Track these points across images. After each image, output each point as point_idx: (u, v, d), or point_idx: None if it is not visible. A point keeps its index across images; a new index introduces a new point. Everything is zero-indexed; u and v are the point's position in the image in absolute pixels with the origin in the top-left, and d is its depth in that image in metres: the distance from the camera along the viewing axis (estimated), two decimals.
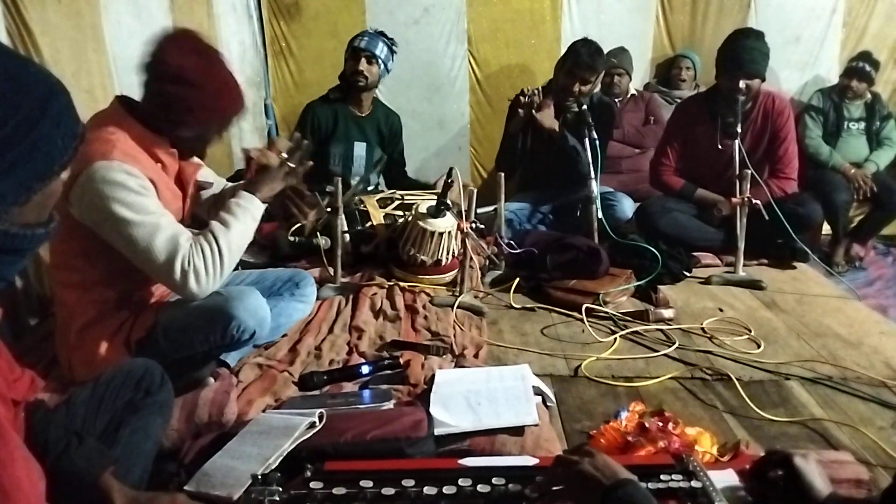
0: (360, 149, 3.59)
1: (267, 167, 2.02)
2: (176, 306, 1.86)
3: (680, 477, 1.33)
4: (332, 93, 3.58)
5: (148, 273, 1.76)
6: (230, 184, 2.20)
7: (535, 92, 3.27)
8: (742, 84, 2.99)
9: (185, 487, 1.40)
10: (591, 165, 2.96)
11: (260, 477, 1.34)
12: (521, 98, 3.26)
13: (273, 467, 1.42)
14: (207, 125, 1.85)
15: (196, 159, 2.01)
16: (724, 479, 1.38)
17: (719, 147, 3.07)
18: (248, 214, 1.86)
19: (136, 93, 2.73)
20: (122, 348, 1.84)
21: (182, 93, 1.74)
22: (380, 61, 3.46)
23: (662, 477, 1.33)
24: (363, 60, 3.43)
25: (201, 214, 2.09)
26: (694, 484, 1.31)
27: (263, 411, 1.78)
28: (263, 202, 1.91)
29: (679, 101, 4.01)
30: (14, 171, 0.90)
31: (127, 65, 2.73)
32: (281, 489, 1.31)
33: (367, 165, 3.59)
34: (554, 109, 3.30)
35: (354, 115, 3.58)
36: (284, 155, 2.01)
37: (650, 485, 1.29)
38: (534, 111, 3.24)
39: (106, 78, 2.60)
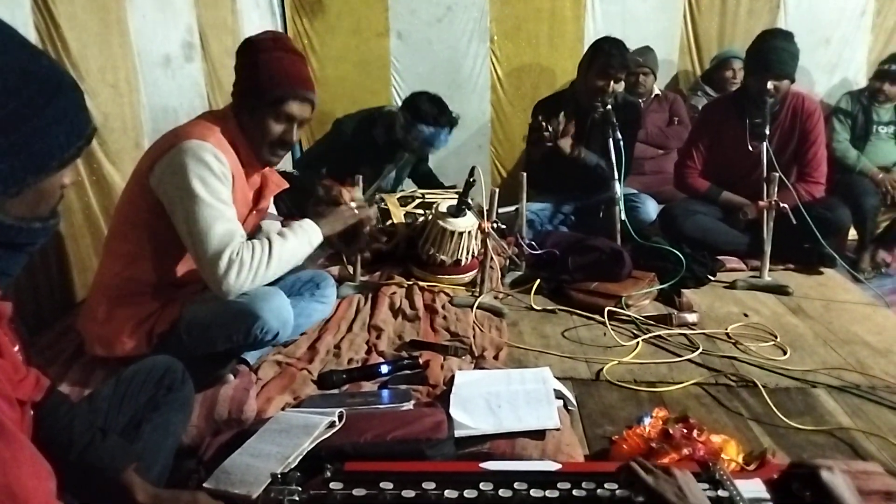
0: (389, 170, 3.52)
1: (338, 206, 2.12)
2: (201, 304, 1.87)
3: (706, 486, 1.30)
4: (376, 131, 3.42)
5: (194, 256, 1.79)
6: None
7: (556, 122, 3.22)
8: (770, 85, 2.94)
9: (205, 485, 1.39)
10: (616, 167, 2.92)
11: (279, 476, 1.33)
12: (545, 133, 3.18)
13: (292, 466, 1.41)
14: (262, 99, 1.85)
15: (279, 180, 2.12)
16: (752, 488, 1.34)
17: (748, 149, 3.01)
18: (306, 238, 1.93)
19: (160, 86, 2.79)
20: (145, 339, 1.86)
21: (247, 59, 1.87)
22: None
23: None
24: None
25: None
26: (721, 493, 1.28)
27: (283, 409, 1.77)
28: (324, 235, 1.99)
29: None
30: (6, 157, 0.88)
31: (151, 60, 2.76)
32: (300, 489, 1.30)
33: (395, 182, 3.56)
34: (577, 116, 3.27)
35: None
36: (353, 204, 2.12)
37: None
38: (557, 139, 3.21)
39: (130, 72, 2.61)
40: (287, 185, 2.14)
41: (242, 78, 1.88)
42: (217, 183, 1.77)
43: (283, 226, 2.06)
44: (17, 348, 1.07)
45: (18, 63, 0.90)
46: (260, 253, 1.78)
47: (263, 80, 1.83)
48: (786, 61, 2.97)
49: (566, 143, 3.24)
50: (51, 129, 0.92)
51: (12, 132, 0.88)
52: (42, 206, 0.98)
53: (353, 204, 2.12)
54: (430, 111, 3.32)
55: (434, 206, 2.89)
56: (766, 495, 1.33)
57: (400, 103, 3.69)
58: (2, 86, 0.87)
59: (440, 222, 2.73)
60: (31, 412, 1.12)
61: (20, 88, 0.89)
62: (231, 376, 1.89)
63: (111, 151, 2.45)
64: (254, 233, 2.08)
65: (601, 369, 2.13)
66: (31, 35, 2.10)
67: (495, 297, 2.68)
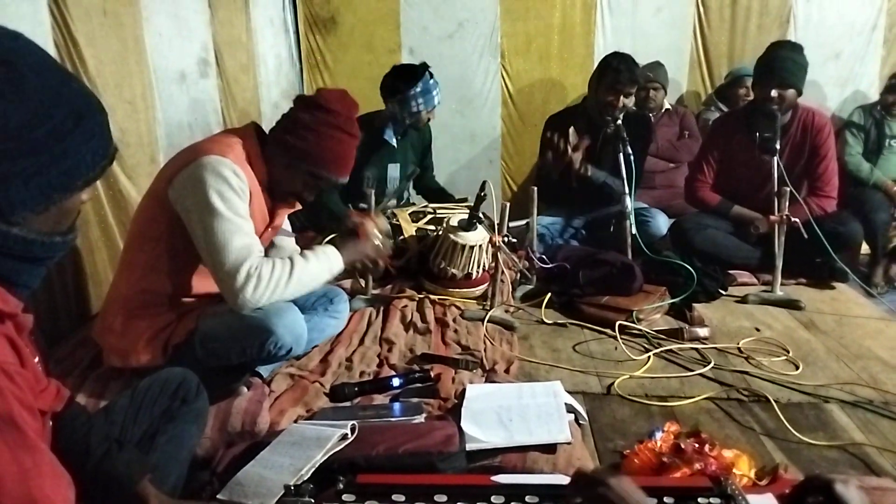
0: (393, 170, 3.55)
1: (361, 235, 2.16)
2: (216, 317, 1.89)
3: (718, 500, 1.30)
4: (387, 132, 3.47)
5: (211, 269, 1.81)
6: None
7: (568, 136, 3.24)
8: (774, 93, 2.93)
9: (218, 496, 1.41)
10: (626, 181, 2.93)
11: (292, 488, 1.34)
12: (559, 146, 3.22)
13: (305, 478, 1.42)
14: (304, 163, 1.92)
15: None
16: (764, 503, 1.34)
17: (759, 163, 3.01)
18: (327, 264, 1.95)
19: (175, 102, 2.84)
20: (160, 350, 1.88)
21: (313, 121, 1.88)
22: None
23: (700, 500, 1.30)
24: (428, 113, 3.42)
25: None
26: None
27: (295, 421, 1.78)
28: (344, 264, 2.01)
29: None
30: (36, 177, 0.91)
31: (167, 76, 2.81)
32: (313, 500, 1.31)
33: (400, 185, 3.59)
34: (588, 131, 3.30)
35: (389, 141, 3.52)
36: (378, 235, 2.16)
37: None
38: (570, 153, 3.24)
39: (147, 89, 2.65)
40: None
41: (299, 135, 1.89)
42: (235, 198, 1.79)
43: (296, 243, 2.09)
44: (37, 360, 1.09)
45: (51, 87, 0.93)
46: (280, 271, 1.80)
47: (317, 155, 1.90)
48: (791, 71, 2.97)
49: (577, 158, 3.26)
50: (79, 150, 0.95)
51: (44, 153, 0.92)
52: (63, 222, 1.01)
53: (377, 238, 2.16)
54: (402, 78, 3.33)
55: (445, 220, 2.91)
56: None
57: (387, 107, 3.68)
58: (35, 109, 0.91)
59: (451, 236, 2.75)
60: (51, 423, 1.14)
61: (52, 111, 0.92)
62: (244, 389, 1.91)
63: (127, 166, 2.49)
64: (268, 249, 2.10)
65: (612, 383, 2.13)
66: (51, 52, 2.14)
67: (506, 311, 2.69)
